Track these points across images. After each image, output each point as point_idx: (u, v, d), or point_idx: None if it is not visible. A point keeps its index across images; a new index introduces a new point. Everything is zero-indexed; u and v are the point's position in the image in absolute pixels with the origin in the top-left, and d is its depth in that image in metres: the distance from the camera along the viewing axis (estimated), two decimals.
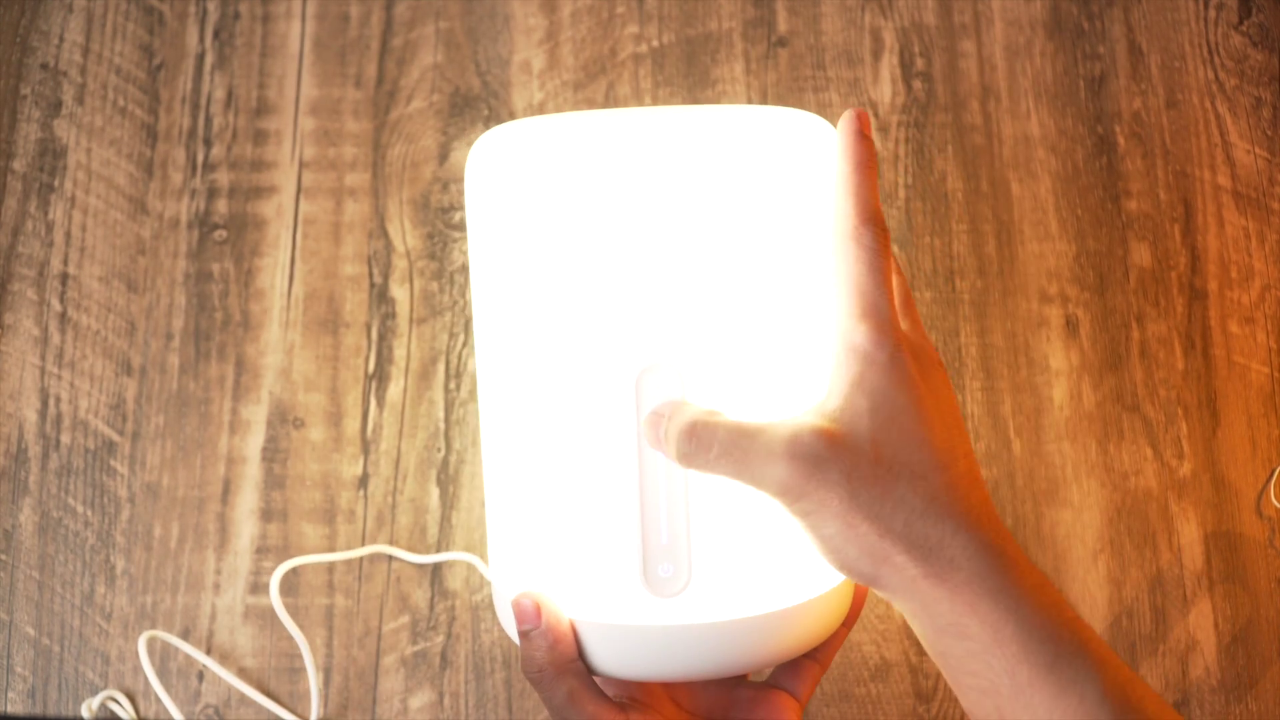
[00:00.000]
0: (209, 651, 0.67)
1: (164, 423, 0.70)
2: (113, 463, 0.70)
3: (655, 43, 0.76)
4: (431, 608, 0.67)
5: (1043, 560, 0.68)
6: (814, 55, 0.76)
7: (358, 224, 0.73)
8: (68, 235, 0.73)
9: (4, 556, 0.68)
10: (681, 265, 0.43)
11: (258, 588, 0.68)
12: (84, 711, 0.66)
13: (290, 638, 0.67)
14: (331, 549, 0.68)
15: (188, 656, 0.67)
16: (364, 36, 0.76)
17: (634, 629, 0.44)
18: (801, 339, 0.44)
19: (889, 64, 0.75)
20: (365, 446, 0.70)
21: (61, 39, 0.76)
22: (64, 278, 0.72)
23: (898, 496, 0.40)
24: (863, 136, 0.44)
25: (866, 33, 0.76)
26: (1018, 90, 0.75)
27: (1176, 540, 0.69)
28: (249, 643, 0.67)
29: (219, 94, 0.75)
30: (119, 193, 0.73)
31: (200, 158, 0.74)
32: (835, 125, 0.45)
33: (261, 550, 0.68)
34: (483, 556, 0.68)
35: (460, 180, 0.73)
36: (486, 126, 0.74)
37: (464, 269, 0.72)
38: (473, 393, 0.70)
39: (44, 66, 0.75)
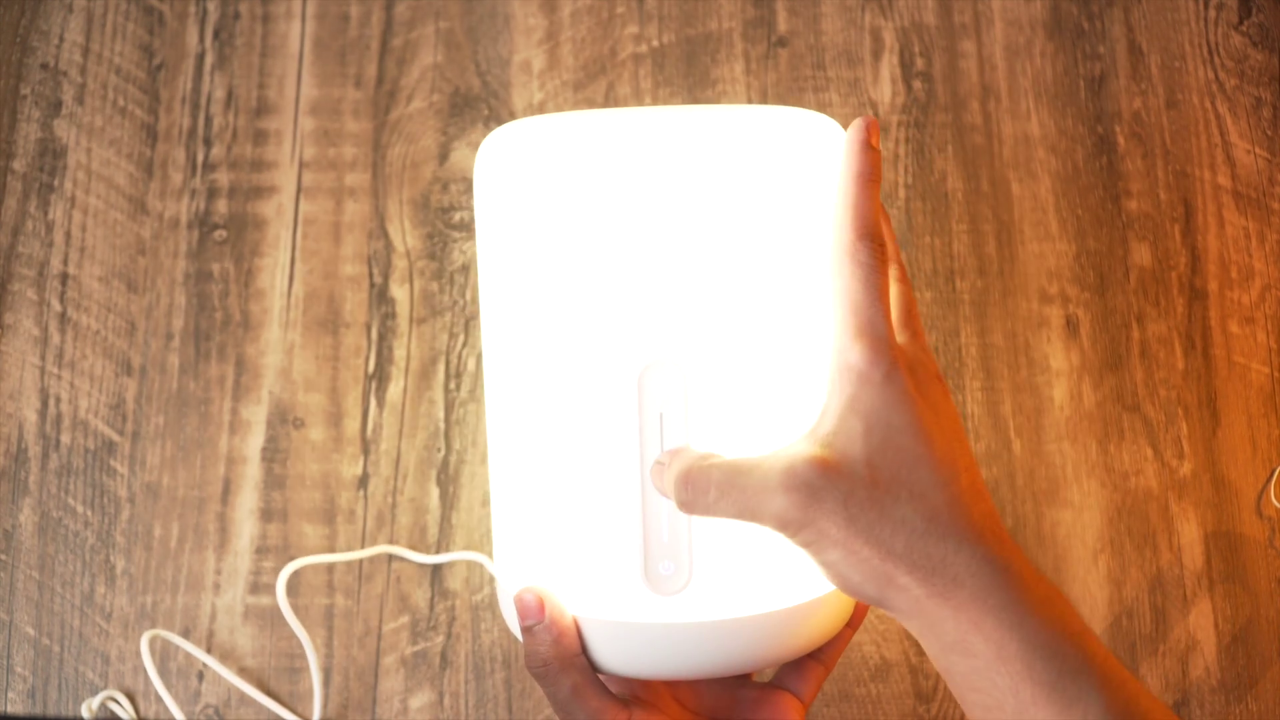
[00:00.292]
0: (209, 651, 0.67)
1: (164, 423, 0.70)
2: (113, 463, 0.70)
3: (655, 43, 0.76)
4: (432, 608, 0.67)
5: (1043, 560, 0.68)
6: (814, 55, 0.76)
7: (358, 224, 0.73)
8: (68, 235, 0.73)
9: (4, 556, 0.68)
10: (686, 263, 0.43)
11: (258, 588, 0.68)
12: (84, 711, 0.66)
13: (290, 638, 0.67)
14: (332, 549, 0.68)
15: (188, 656, 0.67)
16: (364, 36, 0.76)
17: (635, 626, 0.44)
18: (804, 337, 0.44)
19: (889, 64, 0.76)
20: (365, 446, 0.70)
21: (61, 39, 0.76)
22: (64, 278, 0.72)
23: (898, 518, 0.40)
24: (868, 147, 0.43)
25: (866, 33, 0.76)
26: (1018, 90, 0.75)
27: (1176, 540, 0.69)
28: (249, 643, 0.67)
29: (219, 94, 0.75)
30: (119, 193, 0.73)
31: (200, 158, 0.74)
32: (841, 125, 0.45)
33: (261, 550, 0.68)
34: (485, 556, 0.68)
35: (460, 180, 0.74)
36: (486, 126, 0.74)
37: (464, 269, 0.72)
38: (473, 393, 0.70)
39: (44, 66, 0.75)
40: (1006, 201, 0.73)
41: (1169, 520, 0.69)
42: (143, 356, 0.71)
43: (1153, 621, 0.68)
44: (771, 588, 0.45)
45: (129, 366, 0.71)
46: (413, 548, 0.68)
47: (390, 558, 0.68)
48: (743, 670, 0.46)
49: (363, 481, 0.69)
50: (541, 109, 0.75)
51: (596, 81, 0.75)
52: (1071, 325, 0.71)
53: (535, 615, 0.45)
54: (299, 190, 0.73)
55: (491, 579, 0.68)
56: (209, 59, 0.75)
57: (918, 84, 0.75)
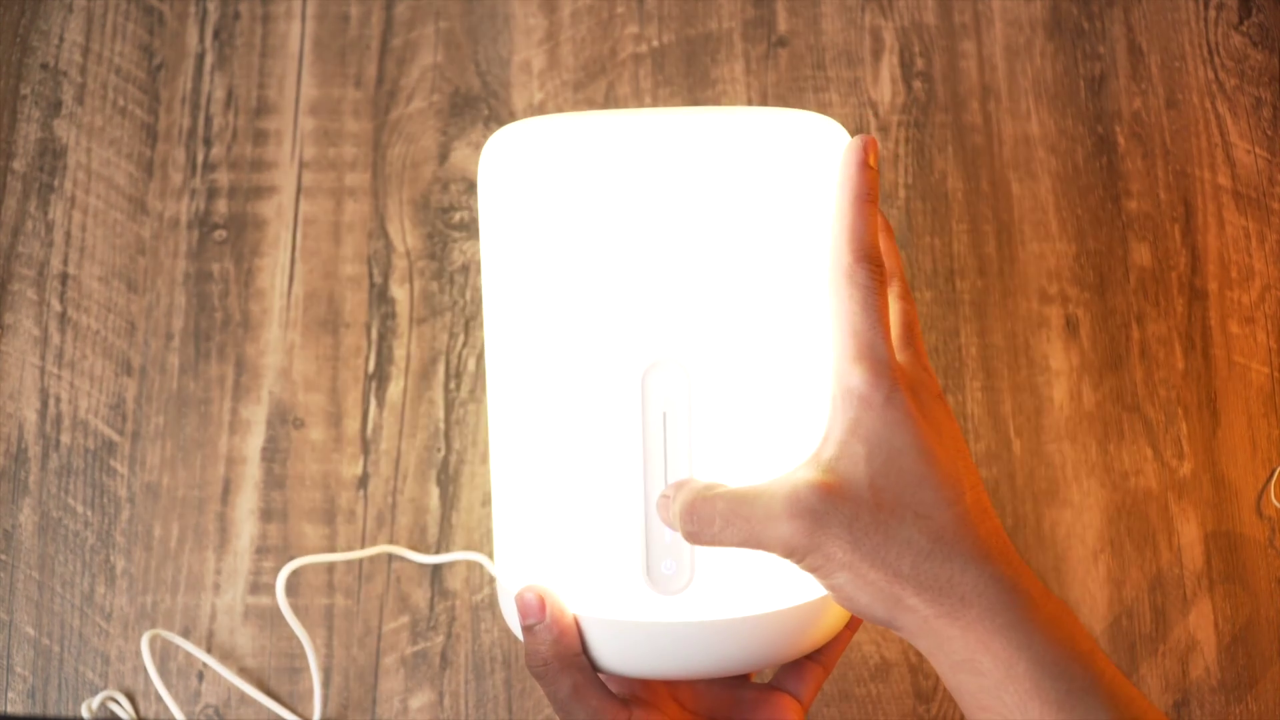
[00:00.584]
0: (209, 651, 0.67)
1: (164, 423, 0.70)
2: (113, 463, 0.70)
3: (655, 43, 0.76)
4: (431, 608, 0.67)
5: (1043, 560, 0.68)
6: (814, 55, 0.76)
7: (358, 224, 0.73)
8: (68, 235, 0.73)
9: (4, 556, 0.68)
10: (690, 264, 0.43)
11: (258, 588, 0.68)
12: (84, 711, 0.66)
13: (290, 638, 0.67)
14: (332, 549, 0.68)
15: (188, 656, 0.67)
16: (364, 36, 0.76)
17: (636, 625, 0.44)
18: (807, 337, 0.44)
19: (889, 64, 0.76)
20: (365, 446, 0.70)
21: (61, 39, 0.76)
22: (64, 278, 0.72)
23: (903, 539, 0.40)
24: (866, 167, 0.43)
25: (866, 33, 0.76)
26: (1018, 90, 0.75)
27: (1176, 540, 0.69)
28: (249, 643, 0.67)
29: (219, 94, 0.75)
30: (119, 193, 0.73)
31: (200, 158, 0.74)
32: (843, 126, 0.45)
33: (261, 550, 0.68)
34: (484, 556, 0.68)
35: (460, 180, 0.74)
36: (486, 126, 0.74)
37: (464, 269, 0.72)
38: (473, 393, 0.70)
39: (44, 66, 0.75)
40: (1006, 201, 0.73)
41: (1169, 520, 0.69)
42: (143, 356, 0.71)
43: (1153, 621, 0.68)
44: (773, 588, 0.45)
45: (129, 366, 0.71)
46: (413, 548, 0.68)
47: (390, 558, 0.68)
48: (744, 670, 0.46)
49: (363, 481, 0.69)
50: (541, 109, 0.75)
51: (596, 81, 0.75)
52: (1071, 325, 0.71)
53: (536, 614, 0.45)
54: (299, 190, 0.73)
55: (491, 579, 0.68)
56: (209, 59, 0.75)
57: (918, 84, 0.75)
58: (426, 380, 0.70)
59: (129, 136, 0.74)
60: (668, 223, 0.43)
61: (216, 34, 0.76)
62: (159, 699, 0.66)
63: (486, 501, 0.69)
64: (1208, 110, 0.75)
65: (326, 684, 0.67)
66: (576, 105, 0.75)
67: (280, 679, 0.67)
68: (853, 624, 0.50)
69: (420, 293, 0.72)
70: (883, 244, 0.44)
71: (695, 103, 0.75)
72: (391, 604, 0.68)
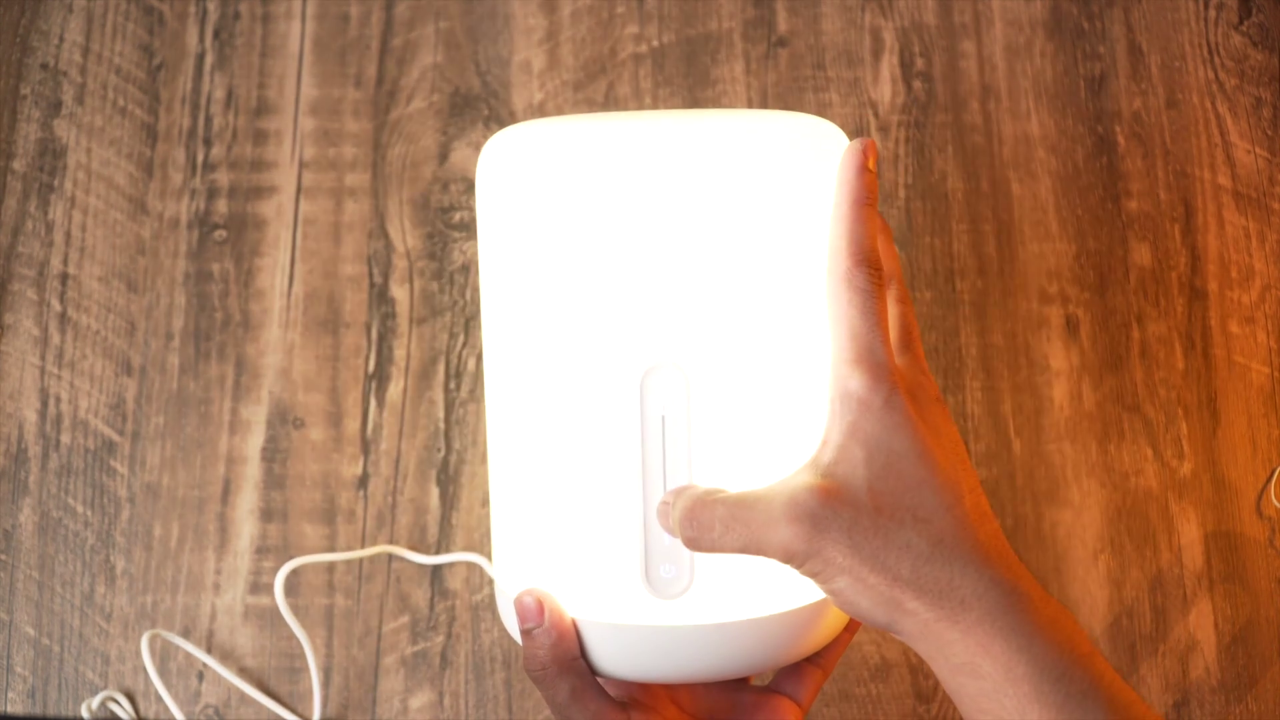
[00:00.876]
0: (209, 651, 0.67)
1: (164, 423, 0.70)
2: (113, 463, 0.70)
3: (655, 43, 0.76)
4: (431, 608, 0.67)
5: (1043, 560, 0.68)
6: (814, 55, 0.76)
7: (358, 224, 0.73)
8: (68, 235, 0.73)
9: (4, 556, 0.68)
10: (689, 267, 0.43)
11: (258, 588, 0.68)
12: (84, 711, 0.66)
13: (290, 638, 0.67)
14: (331, 549, 0.68)
15: (188, 656, 0.67)
16: (364, 36, 0.76)
17: (635, 629, 0.44)
18: (806, 341, 0.44)
19: (889, 64, 0.75)
20: (365, 446, 0.70)
21: (61, 39, 0.76)
22: (64, 278, 0.72)
23: (902, 543, 0.40)
24: (864, 170, 0.43)
25: (866, 33, 0.76)
26: (1018, 90, 0.75)
27: (1176, 540, 0.69)
28: (249, 643, 0.67)
29: (219, 94, 0.75)
30: (119, 193, 0.73)
31: (200, 158, 0.74)
32: (842, 127, 0.45)
33: (261, 550, 0.68)
34: (484, 556, 0.68)
35: (460, 180, 0.73)
36: (486, 126, 0.74)
37: (464, 269, 0.72)
38: (473, 393, 0.70)
39: (44, 66, 0.75)
40: (1006, 201, 0.73)
41: (1169, 520, 0.69)
42: (143, 356, 0.71)
43: (1153, 621, 0.68)
44: (771, 592, 0.45)
45: (129, 366, 0.71)
46: (413, 548, 0.68)
47: (390, 557, 0.68)
48: (743, 674, 0.46)
49: (363, 481, 0.69)
50: (541, 109, 0.75)
51: (596, 81, 0.75)
52: (1071, 325, 0.71)
53: (535, 618, 0.45)
54: (299, 190, 0.73)
55: (492, 579, 0.68)
56: (209, 59, 0.75)
57: (918, 84, 0.75)
58: (426, 380, 0.71)
59: (129, 136, 0.74)
60: (666, 226, 0.43)
61: (216, 34, 0.76)
62: (159, 699, 0.66)
63: (486, 502, 0.69)
64: (1208, 110, 0.75)
65: (326, 684, 0.67)
66: (576, 105, 0.75)
67: (280, 679, 0.67)
68: (851, 627, 0.50)
69: (420, 293, 0.72)
70: (881, 246, 0.44)
71: (695, 103, 0.75)
72: (391, 604, 0.68)
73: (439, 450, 0.70)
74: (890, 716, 0.66)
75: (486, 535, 0.68)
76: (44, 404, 0.70)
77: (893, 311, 0.45)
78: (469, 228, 0.73)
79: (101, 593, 0.68)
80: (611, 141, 0.43)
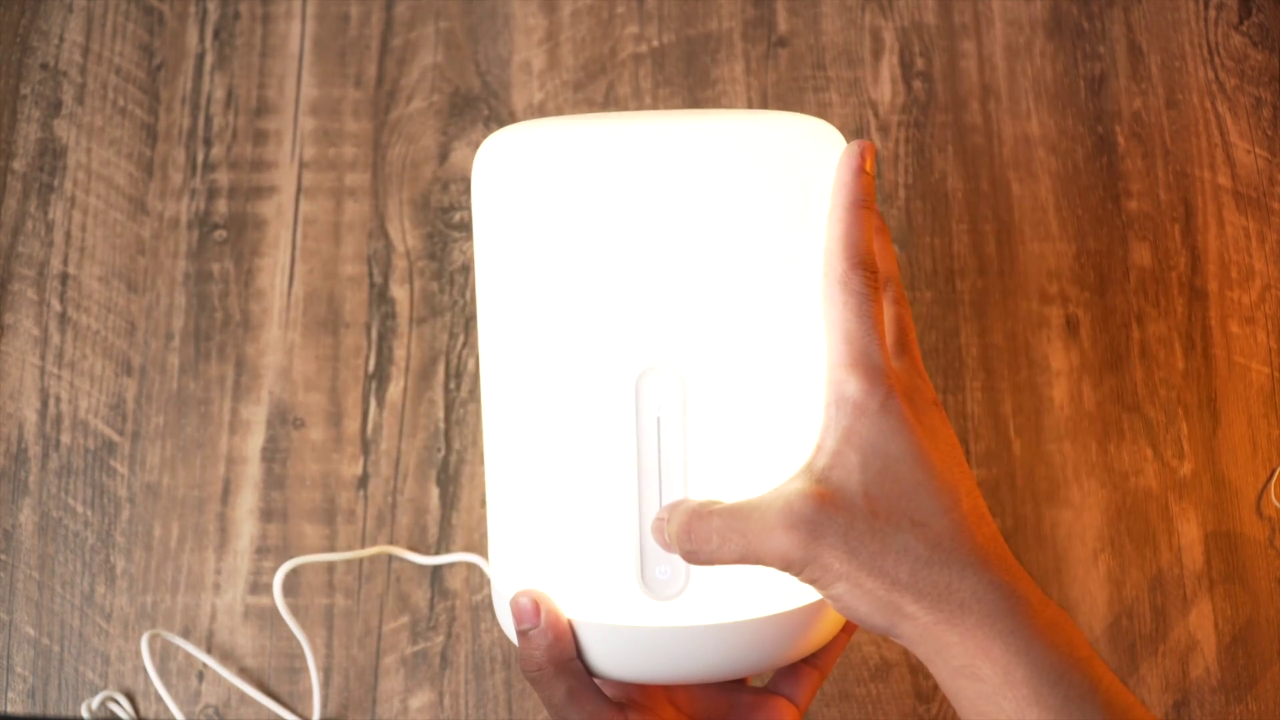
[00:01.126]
0: (209, 652, 0.67)
1: (164, 423, 0.70)
2: (113, 463, 0.70)
3: (655, 43, 0.76)
4: (431, 608, 0.67)
5: (1043, 560, 0.68)
6: (814, 55, 0.76)
7: (358, 224, 0.73)
8: (68, 235, 0.73)
9: (4, 556, 0.68)
10: (685, 268, 0.43)
11: (258, 588, 0.68)
12: (84, 711, 0.66)
13: (290, 638, 0.67)
14: (331, 549, 0.68)
15: (188, 656, 0.67)
16: (364, 36, 0.76)
17: (631, 630, 0.44)
18: (803, 342, 0.44)
19: (889, 64, 0.75)
20: (365, 446, 0.70)
21: (61, 39, 0.76)
22: (64, 278, 0.72)
23: (900, 547, 0.40)
24: (861, 172, 0.43)
25: (866, 33, 0.76)
26: (1018, 90, 0.75)
27: (1176, 540, 0.69)
28: (249, 643, 0.67)
29: (219, 94, 0.75)
30: (119, 193, 0.73)
31: (200, 158, 0.74)
32: (842, 131, 0.45)
33: (261, 550, 0.68)
34: (483, 556, 0.68)
35: (460, 180, 0.74)
36: (486, 126, 0.74)
37: (464, 269, 0.72)
38: (473, 393, 0.70)
39: (44, 66, 0.75)
40: (1006, 201, 0.73)
41: (1169, 520, 0.69)
42: (143, 356, 0.71)
43: (1153, 621, 0.68)
44: (768, 593, 0.45)
45: (129, 366, 0.71)
46: (413, 548, 0.68)
47: (390, 557, 0.68)
48: (740, 675, 0.46)
49: (363, 481, 0.69)
50: (541, 109, 0.75)
51: (596, 81, 0.75)
52: (1071, 325, 0.71)
53: (531, 619, 0.45)
54: (299, 190, 0.73)
55: (490, 580, 0.68)
56: (209, 59, 0.75)
57: (918, 84, 0.75)
58: (426, 380, 0.71)
59: (129, 136, 0.74)
60: (661, 227, 0.43)
61: (216, 34, 0.76)
62: (159, 699, 0.66)
63: (486, 502, 0.69)
64: (1208, 110, 0.75)
65: (326, 684, 0.67)
66: (576, 105, 0.75)
67: (280, 679, 0.67)
68: (848, 628, 0.50)
69: (420, 293, 0.72)
70: (877, 245, 0.44)
71: (695, 103, 0.75)
72: (391, 604, 0.68)
73: (439, 450, 0.70)
74: (890, 716, 0.66)
75: (486, 535, 0.68)
76: (44, 404, 0.70)
77: (889, 313, 0.45)
78: (469, 228, 0.73)
79: (101, 593, 0.68)
80: (606, 142, 0.43)
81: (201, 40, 0.76)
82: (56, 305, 0.72)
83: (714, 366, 0.43)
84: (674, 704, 0.50)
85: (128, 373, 0.71)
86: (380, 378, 0.71)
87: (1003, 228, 0.73)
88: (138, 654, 0.67)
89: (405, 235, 0.73)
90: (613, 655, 0.45)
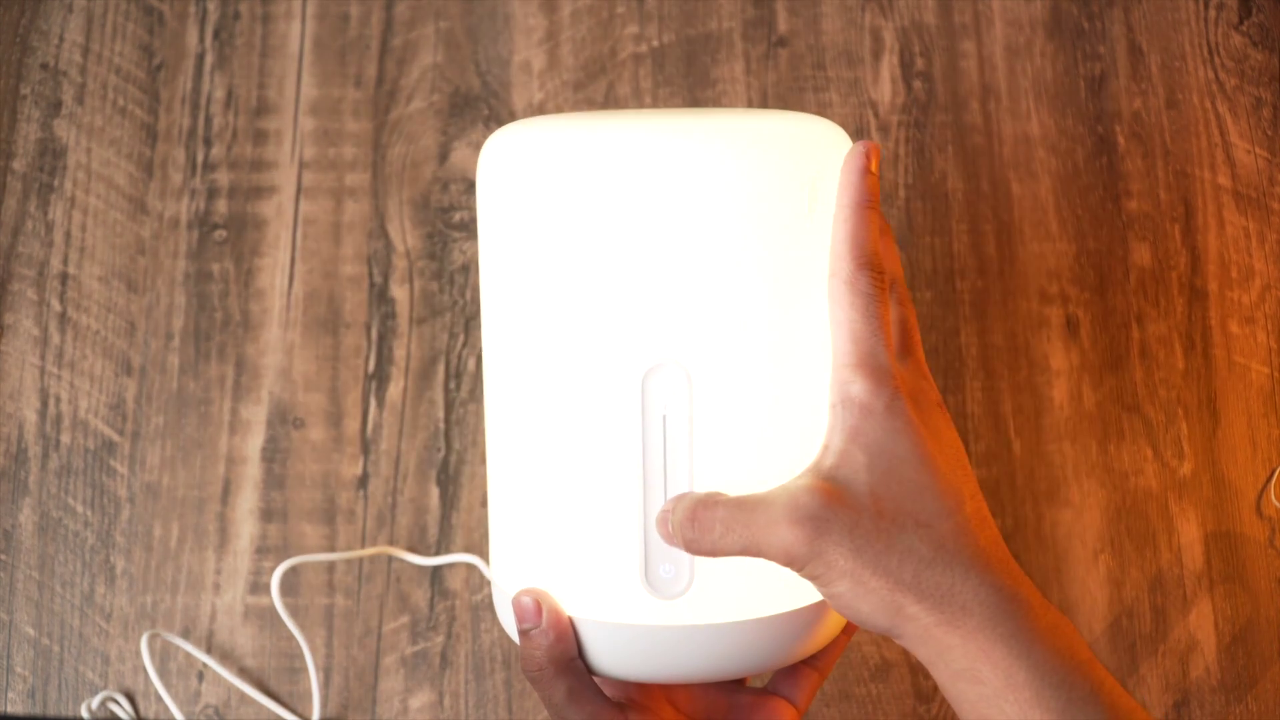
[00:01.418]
0: (209, 652, 0.67)
1: (164, 423, 0.70)
2: (113, 463, 0.70)
3: (655, 43, 0.76)
4: (431, 608, 0.67)
5: (1043, 560, 0.68)
6: (814, 55, 0.76)
7: (358, 224, 0.73)
8: (68, 235, 0.73)
9: (4, 556, 0.68)
10: (692, 267, 0.43)
11: (258, 588, 0.68)
12: (84, 711, 0.66)
13: (290, 638, 0.67)
14: (331, 549, 0.68)
15: (188, 656, 0.67)
16: (364, 36, 0.76)
17: (634, 629, 0.44)
18: (809, 341, 0.44)
19: (889, 64, 0.75)
20: (365, 446, 0.70)
21: (61, 39, 0.76)
22: (64, 278, 0.72)
23: (904, 547, 0.40)
24: (867, 173, 0.43)
25: (866, 33, 0.76)
26: (1018, 90, 0.75)
27: (1176, 540, 0.69)
28: (249, 643, 0.67)
29: (219, 94, 0.75)
30: (119, 193, 0.73)
31: (200, 158, 0.74)
32: (843, 126, 0.45)
33: (261, 550, 0.68)
34: (483, 556, 0.68)
35: (460, 180, 0.73)
36: (486, 126, 0.74)
37: (464, 269, 0.72)
38: (473, 393, 0.70)
39: (44, 66, 0.75)
40: (1006, 201, 0.73)
41: (1169, 520, 0.69)
42: (143, 356, 0.71)
43: (1153, 621, 0.68)
44: (771, 592, 0.45)
45: (129, 366, 0.71)
46: (412, 548, 0.68)
47: (390, 557, 0.68)
48: (743, 674, 0.46)
49: (363, 481, 0.69)
50: (541, 109, 0.75)
51: (596, 81, 0.75)
52: (1071, 325, 0.71)
53: (533, 619, 0.45)
54: (299, 190, 0.73)
55: (489, 579, 0.68)
56: (209, 59, 0.75)
57: (918, 84, 0.75)
58: (426, 380, 0.71)
59: (129, 136, 0.74)
60: (669, 225, 0.43)
61: (216, 34, 0.76)
62: (159, 699, 0.66)
63: (486, 501, 0.69)
64: (1208, 110, 0.75)
65: (326, 684, 0.67)
66: (576, 105, 0.75)
67: (280, 679, 0.67)
68: (848, 629, 0.50)
69: (420, 293, 0.72)
70: (882, 247, 0.44)
71: (695, 103, 0.75)
72: (391, 604, 0.68)
73: (439, 450, 0.70)
74: (890, 716, 0.66)
75: (486, 535, 0.68)
76: (44, 404, 0.70)
77: (894, 314, 0.45)
78: (469, 227, 0.73)
79: (101, 593, 0.68)
80: (613, 140, 0.43)
81: (201, 40, 0.76)
82: (56, 305, 0.72)
83: (721, 365, 0.43)
84: (673, 704, 0.50)
85: (128, 373, 0.71)
86: (380, 378, 0.71)
87: (1003, 228, 0.73)
88: (137, 654, 0.67)
89: (405, 235, 0.73)
90: (615, 654, 0.45)
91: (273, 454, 0.70)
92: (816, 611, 0.46)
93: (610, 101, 0.75)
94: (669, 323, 0.43)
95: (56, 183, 0.73)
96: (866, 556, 0.39)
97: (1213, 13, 0.77)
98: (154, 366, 0.71)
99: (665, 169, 0.43)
